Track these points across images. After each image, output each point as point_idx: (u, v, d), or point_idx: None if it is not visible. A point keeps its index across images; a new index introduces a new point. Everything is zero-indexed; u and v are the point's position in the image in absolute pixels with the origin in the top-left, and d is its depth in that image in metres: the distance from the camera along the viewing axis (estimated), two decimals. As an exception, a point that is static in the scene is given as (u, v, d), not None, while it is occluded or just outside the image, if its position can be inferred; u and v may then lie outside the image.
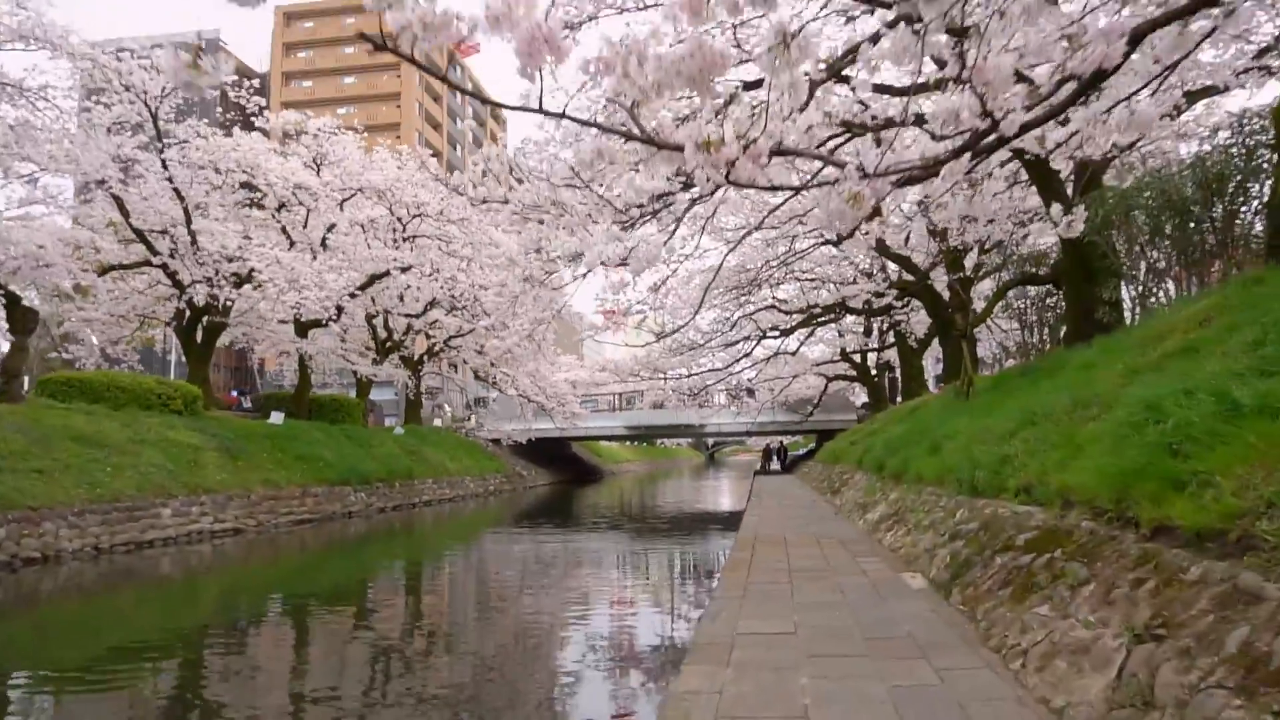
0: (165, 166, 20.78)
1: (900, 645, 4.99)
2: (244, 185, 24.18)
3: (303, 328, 26.42)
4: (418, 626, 10.19)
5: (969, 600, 5.84)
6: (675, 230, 6.75)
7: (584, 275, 7.82)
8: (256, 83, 22.57)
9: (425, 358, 36.35)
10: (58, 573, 12.97)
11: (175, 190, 20.95)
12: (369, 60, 77.46)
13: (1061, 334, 15.30)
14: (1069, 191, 13.43)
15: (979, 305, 19.94)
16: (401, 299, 30.44)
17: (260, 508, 18.96)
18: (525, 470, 41.51)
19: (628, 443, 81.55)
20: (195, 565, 14.90)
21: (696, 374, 27.09)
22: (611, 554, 16.72)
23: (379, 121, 70.23)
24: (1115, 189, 11.97)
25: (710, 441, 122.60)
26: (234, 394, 32.22)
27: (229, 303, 22.68)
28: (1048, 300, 15.32)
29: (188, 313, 23.21)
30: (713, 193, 6.34)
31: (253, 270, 20.94)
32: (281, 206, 24.58)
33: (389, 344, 32.20)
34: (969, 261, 19.85)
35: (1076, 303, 13.16)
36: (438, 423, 43.21)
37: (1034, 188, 20.00)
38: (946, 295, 20.34)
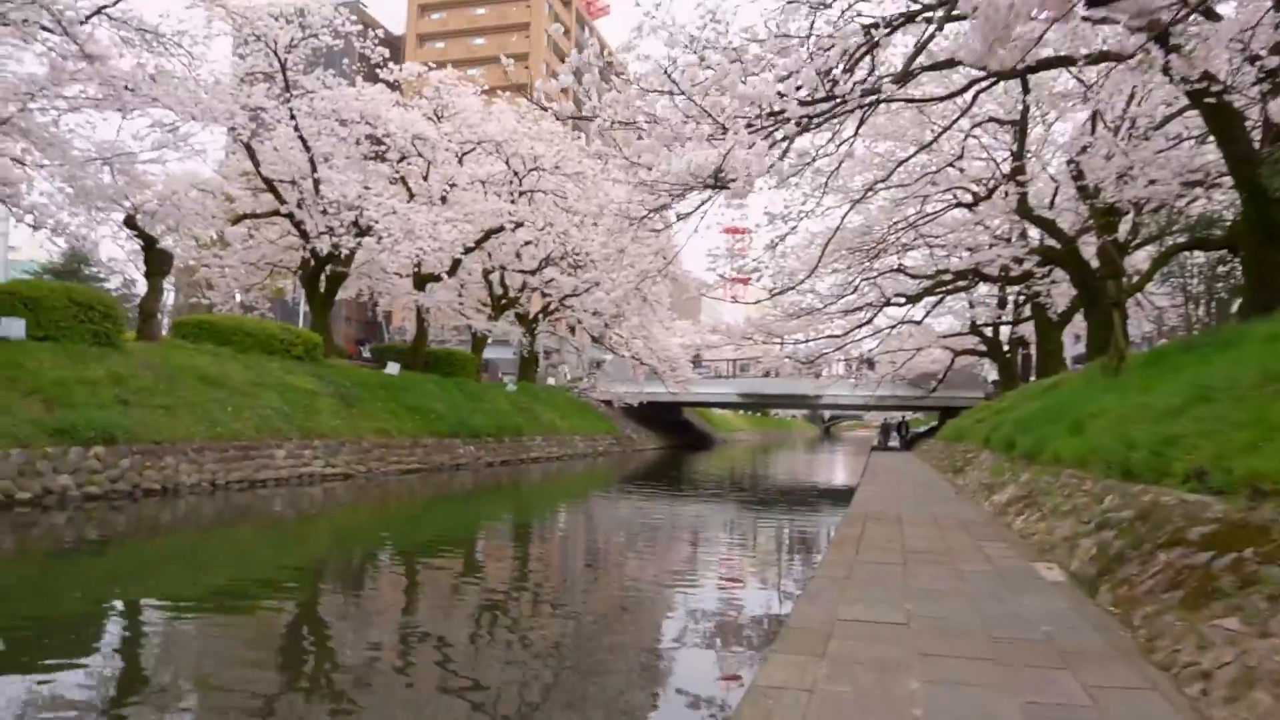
0: (293, 116, 21.18)
1: (1036, 650, 4.14)
2: (369, 138, 24.55)
3: (420, 281, 26.80)
4: (513, 582, 9.89)
5: (1122, 601, 4.90)
6: (788, 149, 5.92)
7: (699, 210, 7.10)
8: (381, 33, 22.73)
9: (540, 316, 36.50)
10: (176, 505, 13.44)
11: (301, 139, 21.35)
12: (499, 20, 78.38)
13: (1235, 306, 13.57)
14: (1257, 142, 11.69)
15: (1132, 278, 18.01)
16: (519, 256, 30.52)
17: (371, 455, 19.30)
18: (635, 433, 41.36)
19: (741, 412, 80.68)
20: (306, 506, 15.22)
21: (813, 340, 25.86)
22: (714, 523, 16.11)
23: (507, 82, 70.83)
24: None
25: (826, 415, 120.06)
26: (356, 344, 33.20)
27: (350, 252, 23.09)
28: (1218, 269, 13.57)
29: (312, 262, 23.81)
30: (830, 111, 5.49)
31: (370, 221, 21.16)
32: (403, 158, 24.82)
33: (504, 300, 32.41)
34: (1123, 227, 17.97)
35: (1258, 270, 11.47)
36: (551, 381, 43.55)
37: (1204, 145, 17.91)
38: (1094, 264, 18.51)
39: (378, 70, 24.65)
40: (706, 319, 67.94)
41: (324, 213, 21.81)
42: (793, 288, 18.97)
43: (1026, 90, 15.91)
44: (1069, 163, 17.70)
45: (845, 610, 4.93)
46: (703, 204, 6.79)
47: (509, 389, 32.13)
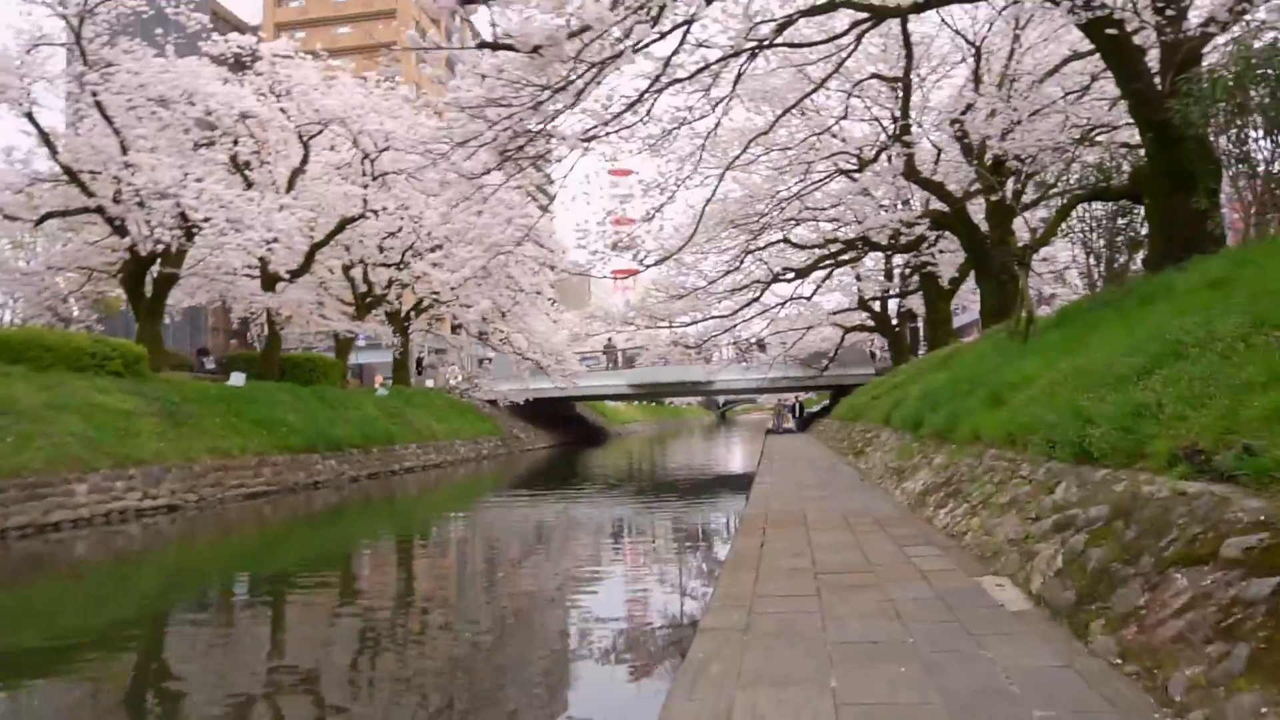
0: (94, 94, 18.21)
1: (1048, 771, 2.57)
2: (198, 123, 21.62)
3: (269, 281, 24.01)
4: (337, 623, 7.88)
5: (1136, 653, 3.40)
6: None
7: (547, 137, 5.32)
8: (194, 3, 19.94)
9: (412, 315, 33.91)
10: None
11: (106, 118, 18.39)
12: (364, 7, 73.96)
13: (1129, 259, 12.76)
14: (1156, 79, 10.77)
15: (1020, 242, 17.32)
16: (381, 250, 27.98)
17: (204, 480, 16.69)
18: (523, 432, 39.28)
19: (635, 402, 79.44)
20: (116, 548, 12.73)
21: (700, 321, 24.46)
22: (592, 532, 14.38)
23: (375, 70, 66.97)
24: (1222, 69, 9.23)
25: (721, 400, 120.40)
26: (197, 354, 29.82)
27: (178, 250, 20.15)
28: (1118, 221, 12.71)
29: (132, 264, 20.75)
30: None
31: (189, 209, 18.29)
32: (236, 141, 21.98)
33: (369, 299, 29.76)
34: (1010, 188, 17.28)
35: (1165, 217, 10.57)
36: (429, 384, 40.92)
37: (1088, 99, 17.31)
38: (985, 227, 17.76)
39: (200, 43, 21.69)
40: (596, 308, 66.08)
41: (141, 205, 18.87)
42: (670, 256, 17.37)
43: (908, 40, 14.83)
44: (952, 123, 16.86)
45: (743, 702, 3.26)
46: (541, 127, 4.99)
47: (379, 394, 29.54)
